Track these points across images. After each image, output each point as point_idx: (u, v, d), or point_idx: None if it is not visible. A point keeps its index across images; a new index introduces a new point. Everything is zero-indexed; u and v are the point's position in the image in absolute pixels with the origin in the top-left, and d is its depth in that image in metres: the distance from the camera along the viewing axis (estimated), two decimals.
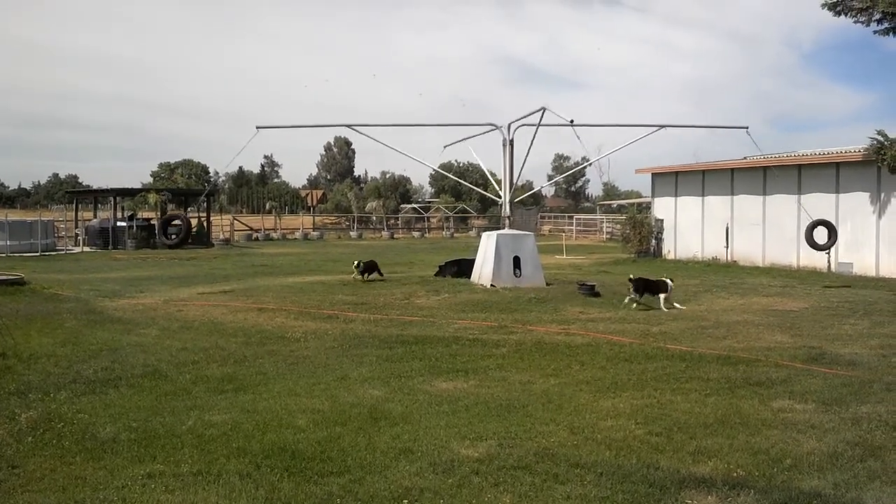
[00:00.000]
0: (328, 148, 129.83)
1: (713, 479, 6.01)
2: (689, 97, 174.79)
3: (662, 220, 33.00)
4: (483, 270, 19.64)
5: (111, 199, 46.89)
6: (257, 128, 18.30)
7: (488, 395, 8.82)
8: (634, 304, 16.21)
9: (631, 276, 16.86)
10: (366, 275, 20.99)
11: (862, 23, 22.28)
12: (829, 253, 25.46)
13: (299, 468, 6.25)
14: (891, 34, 22.17)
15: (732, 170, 30.00)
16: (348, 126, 20.26)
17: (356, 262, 21.28)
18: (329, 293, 18.19)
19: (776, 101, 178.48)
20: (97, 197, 52.29)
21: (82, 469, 6.27)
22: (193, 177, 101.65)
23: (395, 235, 62.83)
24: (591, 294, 17.60)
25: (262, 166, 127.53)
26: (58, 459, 6.51)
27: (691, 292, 18.93)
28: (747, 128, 21.60)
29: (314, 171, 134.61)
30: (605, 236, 57.13)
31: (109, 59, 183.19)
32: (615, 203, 79.36)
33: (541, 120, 20.13)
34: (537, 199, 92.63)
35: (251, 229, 55.61)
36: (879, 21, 22.00)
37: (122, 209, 46.83)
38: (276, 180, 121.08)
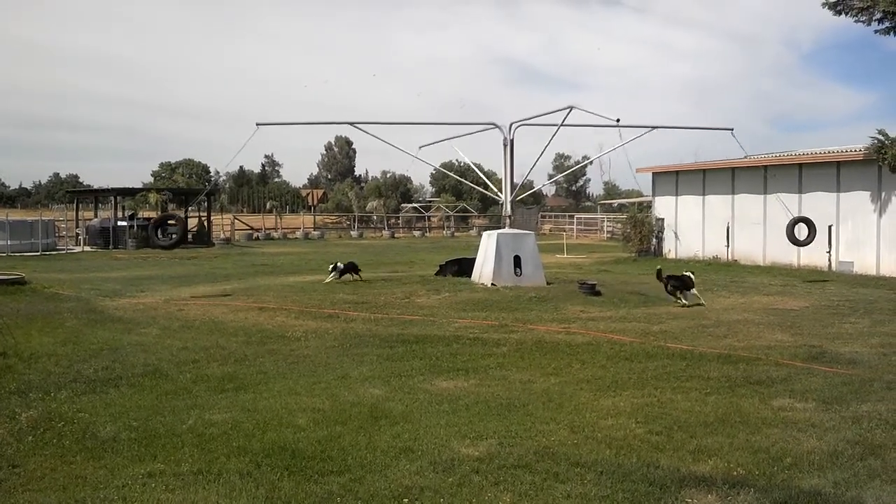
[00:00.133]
0: (329, 147, 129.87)
1: (713, 477, 6.01)
2: (689, 97, 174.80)
3: (663, 220, 33.00)
4: (484, 269, 19.63)
5: (112, 198, 46.94)
6: (257, 124, 18.27)
7: (489, 393, 8.82)
8: (682, 301, 16.36)
9: (662, 276, 17.00)
10: (344, 275, 20.68)
11: (862, 22, 22.27)
12: (829, 252, 25.50)
13: (300, 467, 6.25)
14: (891, 34, 22.14)
15: (733, 169, 29.98)
16: (350, 123, 20.21)
17: (332, 266, 20.91)
18: (330, 292, 18.19)
19: (776, 101, 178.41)
20: (98, 196, 52.34)
21: (83, 468, 6.28)
22: (194, 176, 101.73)
23: (396, 235, 62.86)
24: (592, 293, 17.60)
25: (263, 166, 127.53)
26: (58, 459, 6.52)
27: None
28: (732, 129, 21.70)
29: (315, 171, 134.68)
30: (605, 235, 57.15)
31: (110, 59, 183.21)
32: (616, 202, 79.39)
33: (564, 120, 20.20)
34: (538, 198, 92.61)
35: (252, 229, 55.65)
36: (880, 20, 21.97)
37: (123, 209, 46.90)
38: (276, 180, 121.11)
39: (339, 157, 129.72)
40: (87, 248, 39.38)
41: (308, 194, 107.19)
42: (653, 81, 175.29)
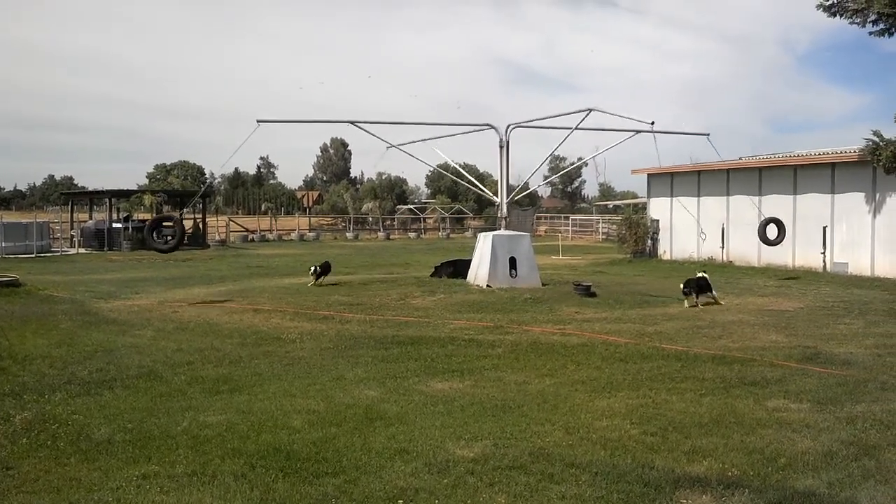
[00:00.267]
0: (324, 149, 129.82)
1: (708, 478, 6.02)
2: (685, 98, 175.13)
3: (658, 221, 33.02)
4: (479, 271, 19.63)
5: (106, 200, 46.88)
6: (258, 121, 18.17)
7: (484, 395, 8.82)
8: (695, 304, 16.55)
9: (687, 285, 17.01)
10: (322, 278, 20.52)
11: (857, 24, 22.28)
12: (823, 253, 25.56)
13: (294, 469, 6.25)
14: (886, 35, 22.17)
15: (728, 170, 30.02)
16: (350, 122, 20.13)
17: (312, 268, 20.77)
18: (325, 294, 18.18)
19: (772, 102, 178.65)
20: (93, 198, 52.28)
21: (77, 470, 6.27)
22: (189, 178, 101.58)
23: (392, 236, 62.82)
24: (587, 294, 17.61)
25: (259, 167, 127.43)
26: (52, 461, 6.50)
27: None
28: (708, 135, 21.84)
29: (310, 173, 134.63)
30: (601, 237, 57.15)
31: (105, 60, 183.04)
32: (611, 203, 79.49)
33: (580, 123, 20.30)
34: (533, 199, 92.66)
35: (247, 230, 55.54)
36: (875, 22, 21.99)
37: (118, 211, 46.80)
38: (272, 181, 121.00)
39: (335, 159, 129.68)
40: (82, 250, 39.31)
41: (303, 196, 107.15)
42: (649, 83, 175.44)
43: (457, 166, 25.28)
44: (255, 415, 7.95)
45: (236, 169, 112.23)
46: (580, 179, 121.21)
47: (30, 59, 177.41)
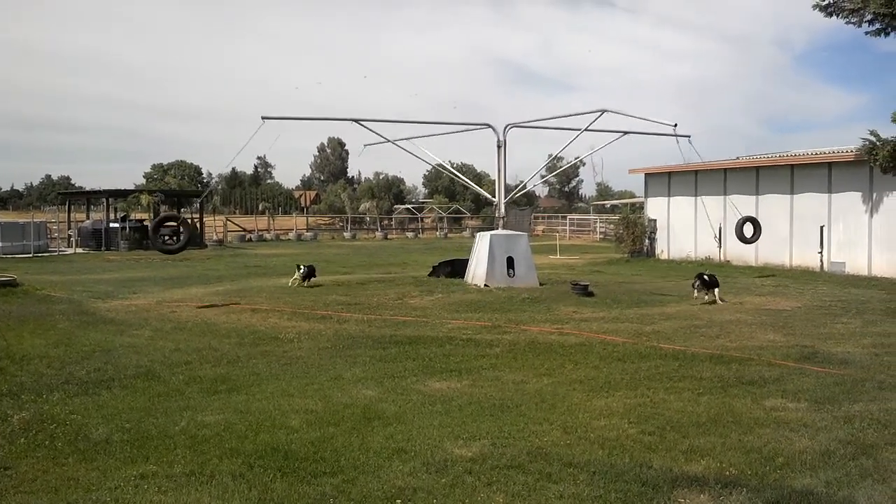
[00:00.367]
0: (321, 149, 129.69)
1: (706, 477, 6.02)
2: (683, 98, 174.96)
3: (655, 220, 33.05)
4: (476, 270, 19.64)
5: (104, 200, 46.85)
6: (263, 118, 18.11)
7: (482, 394, 8.83)
8: (706, 298, 17.11)
9: (699, 278, 17.60)
10: (307, 280, 20.11)
11: (853, 24, 22.29)
12: (820, 252, 25.60)
13: (292, 468, 6.25)
14: (882, 35, 22.20)
15: (725, 170, 30.06)
16: (354, 120, 20.04)
17: (301, 269, 20.33)
18: (322, 294, 18.17)
19: (770, 102, 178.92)
20: (90, 198, 52.21)
21: (75, 470, 6.26)
22: (186, 178, 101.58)
23: (389, 236, 62.82)
24: (585, 294, 17.63)
25: (256, 167, 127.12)
26: (50, 461, 6.50)
27: (685, 292, 18.94)
28: (689, 137, 21.71)
29: (307, 172, 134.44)
30: (598, 236, 57.15)
31: (101, 60, 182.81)
32: (609, 203, 79.51)
33: (591, 124, 20.27)
34: (531, 199, 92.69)
35: (244, 230, 55.51)
36: (871, 22, 22.01)
37: (115, 210, 46.73)
38: (269, 181, 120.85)
39: (332, 159, 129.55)
40: (79, 250, 39.27)
41: (301, 196, 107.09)
42: (647, 82, 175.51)
43: (446, 166, 25.16)
44: (252, 414, 7.95)
45: (233, 169, 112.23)
46: (578, 179, 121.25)
47: (28, 59, 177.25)
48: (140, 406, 8.35)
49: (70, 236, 42.81)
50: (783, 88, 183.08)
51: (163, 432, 7.30)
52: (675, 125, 19.33)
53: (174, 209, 51.12)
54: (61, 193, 72.81)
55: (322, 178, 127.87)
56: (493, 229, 22.22)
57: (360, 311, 15.46)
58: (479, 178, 79.35)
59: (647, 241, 33.11)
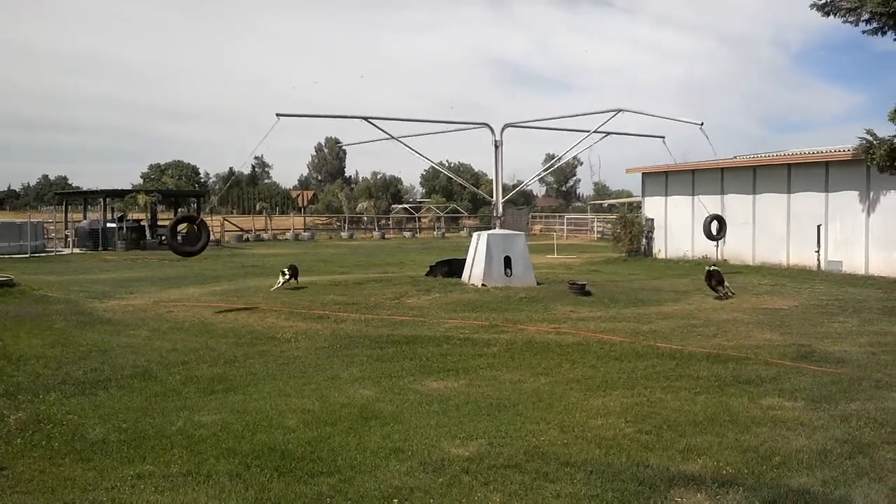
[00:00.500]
0: (319, 149, 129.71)
1: (702, 476, 6.03)
2: (681, 98, 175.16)
3: (653, 220, 33.06)
4: (474, 270, 19.64)
5: (101, 200, 46.80)
6: (277, 115, 17.99)
7: (479, 394, 8.83)
8: (719, 293, 17.55)
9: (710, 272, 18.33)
10: (293, 280, 19.52)
11: (851, 23, 22.27)
12: (817, 252, 25.61)
13: (289, 468, 6.25)
14: (879, 34, 22.17)
15: (722, 169, 30.05)
16: (364, 118, 19.92)
17: (283, 272, 19.59)
18: (320, 293, 18.16)
19: (767, 102, 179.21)
20: (87, 198, 52.15)
21: (72, 470, 6.26)
22: (183, 178, 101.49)
23: (387, 235, 62.82)
24: (582, 293, 17.63)
25: (253, 167, 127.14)
26: (47, 461, 6.49)
27: (682, 291, 18.97)
28: (701, 124, 21.56)
29: (305, 172, 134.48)
30: (595, 236, 57.20)
31: (99, 60, 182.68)
32: (606, 202, 79.54)
33: (604, 123, 20.26)
34: (528, 198, 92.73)
35: (242, 230, 55.50)
36: (868, 21, 21.98)
37: (112, 210, 46.69)
38: (266, 181, 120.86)
39: (330, 159, 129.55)
40: (77, 250, 39.24)
41: (298, 195, 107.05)
42: (645, 82, 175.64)
43: (444, 165, 25.08)
44: (249, 414, 7.95)
45: (231, 168, 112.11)
46: (575, 178, 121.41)
47: (26, 59, 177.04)
48: (137, 406, 8.34)
49: (67, 236, 42.76)
50: (781, 88, 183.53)
51: (160, 432, 7.29)
52: (702, 124, 19.47)
53: (171, 210, 51.15)
54: (58, 193, 72.71)
55: (319, 177, 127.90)
56: (490, 229, 22.21)
57: (357, 310, 15.45)
58: (477, 178, 79.42)
59: (644, 240, 33.12)
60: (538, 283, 19.59)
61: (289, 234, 57.05)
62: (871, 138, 21.91)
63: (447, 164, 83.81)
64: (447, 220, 72.46)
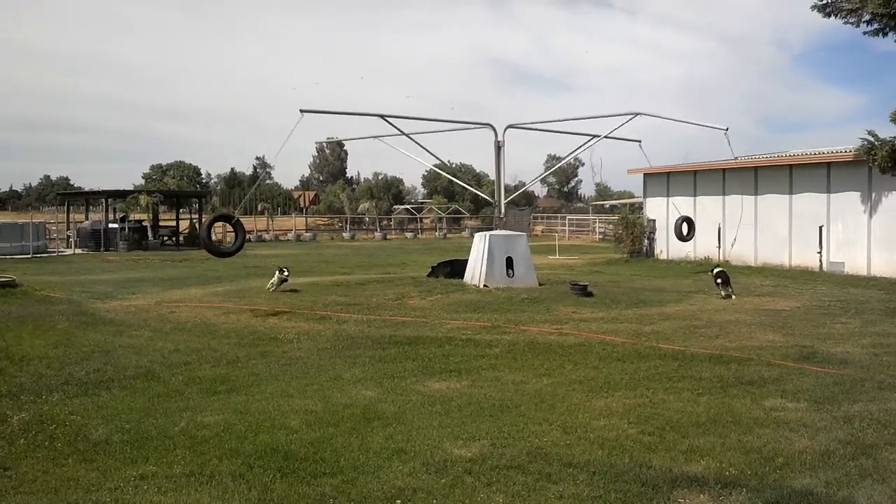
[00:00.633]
0: (320, 149, 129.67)
1: (705, 477, 6.03)
2: (681, 98, 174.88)
3: (654, 221, 33.04)
4: (476, 271, 19.63)
5: (103, 200, 46.85)
6: (301, 111, 17.92)
7: (481, 395, 8.83)
8: (723, 293, 17.91)
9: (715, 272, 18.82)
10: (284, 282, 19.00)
11: (852, 24, 22.28)
12: (819, 253, 25.61)
13: (292, 469, 6.25)
14: (880, 35, 22.18)
15: (724, 170, 30.05)
16: (380, 116, 19.79)
17: (284, 272, 19.07)
18: (322, 294, 18.16)
19: (768, 102, 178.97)
20: (89, 199, 52.20)
21: (75, 471, 6.26)
22: (185, 179, 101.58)
23: (388, 236, 62.82)
24: (584, 294, 17.62)
25: (255, 168, 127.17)
26: (50, 461, 6.50)
27: (684, 292, 18.96)
28: (727, 129, 21.52)
29: (306, 173, 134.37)
30: (597, 236, 57.15)
31: (100, 60, 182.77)
32: (608, 203, 79.53)
33: (621, 125, 20.39)
34: (530, 199, 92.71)
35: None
36: (869, 22, 21.99)
37: (114, 211, 46.71)
38: (268, 182, 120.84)
39: (331, 159, 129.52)
40: (79, 251, 39.27)
41: (300, 196, 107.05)
42: (645, 82, 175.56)
43: (446, 165, 25.07)
44: (252, 415, 7.95)
45: (232, 169, 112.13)
46: (577, 179, 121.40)
47: (27, 59, 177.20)
48: (140, 407, 8.35)
49: (69, 237, 42.80)
50: (782, 88, 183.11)
51: (162, 433, 7.30)
52: (727, 129, 19.74)
53: (173, 210, 51.20)
54: (60, 194, 72.73)
55: (321, 178, 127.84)
56: (492, 229, 22.19)
57: (359, 311, 15.45)
58: (479, 179, 79.40)
59: (646, 241, 33.11)
60: (540, 284, 19.59)
61: (290, 235, 57.05)
62: (872, 139, 21.91)
63: (449, 165, 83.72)
64: (449, 220, 72.46)
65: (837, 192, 25.52)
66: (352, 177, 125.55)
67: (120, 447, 6.86)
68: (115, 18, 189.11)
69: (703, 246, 30.29)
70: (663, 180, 32.79)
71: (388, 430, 7.35)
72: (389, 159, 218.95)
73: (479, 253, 19.73)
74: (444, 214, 72.49)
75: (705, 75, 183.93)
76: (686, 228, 23.74)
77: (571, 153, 24.68)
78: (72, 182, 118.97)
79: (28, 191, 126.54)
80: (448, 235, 64.51)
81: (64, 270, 27.33)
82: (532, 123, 22.75)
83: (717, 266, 20.69)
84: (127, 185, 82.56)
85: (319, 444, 6.91)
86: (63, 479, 6.06)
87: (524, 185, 30.00)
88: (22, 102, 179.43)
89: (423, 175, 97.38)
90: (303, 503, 5.60)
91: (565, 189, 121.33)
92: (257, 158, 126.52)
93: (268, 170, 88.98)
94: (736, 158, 30.67)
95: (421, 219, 73.69)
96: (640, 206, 36.31)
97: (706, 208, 30.57)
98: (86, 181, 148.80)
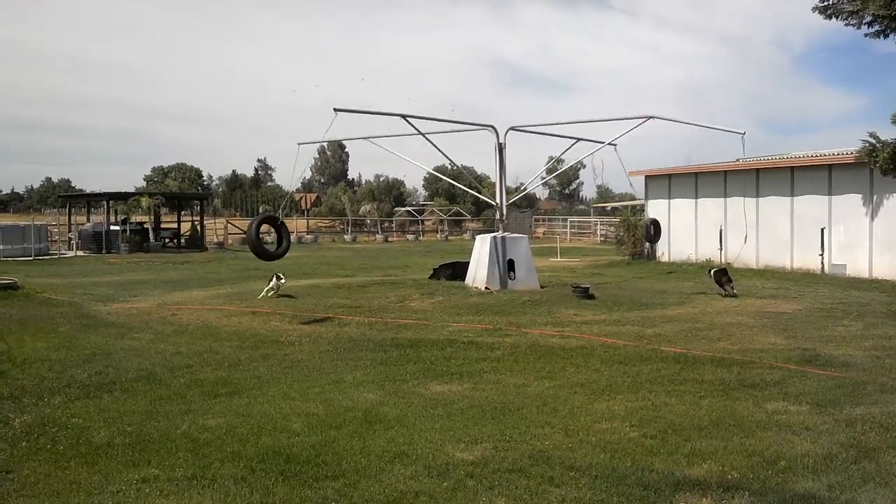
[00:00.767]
0: (322, 151, 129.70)
1: (707, 481, 6.02)
2: (682, 100, 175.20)
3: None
4: (477, 273, 19.63)
5: (104, 203, 46.85)
6: (335, 110, 17.87)
7: (483, 398, 8.83)
8: (725, 292, 18.32)
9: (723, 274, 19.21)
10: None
11: (853, 25, 22.26)
12: (821, 255, 25.59)
13: (294, 472, 6.25)
14: (882, 37, 22.16)
15: (725, 172, 30.04)
16: (401, 116, 19.70)
17: (280, 279, 18.43)
18: (323, 296, 18.16)
19: (768, 104, 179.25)
20: (90, 201, 52.18)
21: (76, 474, 6.26)
22: (186, 181, 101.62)
23: (390, 238, 62.79)
24: (586, 296, 17.61)
25: (256, 170, 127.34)
26: (52, 464, 6.50)
27: (686, 294, 18.95)
28: (744, 133, 21.38)
29: (308, 175, 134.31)
30: (599, 238, 57.15)
31: (102, 62, 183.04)
32: (609, 205, 79.49)
33: (632, 128, 20.40)
34: (531, 201, 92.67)
35: (245, 233, 55.44)
36: (870, 24, 21.96)
37: (116, 213, 46.73)
38: (269, 184, 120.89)
39: (333, 161, 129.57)
40: (80, 253, 39.28)
41: (301, 198, 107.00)
42: (646, 84, 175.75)
43: (430, 171, 25.06)
44: (254, 418, 7.95)
45: (234, 171, 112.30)
46: (578, 181, 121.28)
47: (29, 61, 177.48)
48: (141, 409, 8.35)
49: (70, 239, 42.80)
50: (782, 90, 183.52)
51: (164, 436, 7.30)
52: (744, 133, 19.91)
53: (174, 212, 51.21)
54: (62, 196, 72.66)
55: (322, 180, 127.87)
56: (493, 232, 22.20)
57: (361, 313, 15.45)
58: (480, 181, 79.41)
59: (647, 243, 33.10)
60: (542, 287, 19.59)
61: (292, 237, 57.02)
62: (873, 141, 21.90)
63: (450, 168, 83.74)
64: (450, 222, 72.48)
65: (839, 194, 25.50)
66: (353, 179, 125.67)
67: (122, 450, 6.86)
68: (115, 21, 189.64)
69: (704, 248, 30.27)
70: (664, 182, 32.77)
71: (389, 434, 7.35)
72: (391, 161, 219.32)
73: (480, 255, 19.74)
74: (445, 216, 72.51)
75: (706, 77, 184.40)
76: (653, 230, 24.91)
77: (578, 160, 24.65)
78: (73, 184, 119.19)
79: (30, 193, 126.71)
80: (449, 238, 64.52)
81: (65, 273, 27.34)
82: (534, 126, 22.75)
83: (714, 267, 20.88)
84: (128, 187, 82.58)
85: (321, 448, 6.90)
86: (65, 482, 6.06)
87: (524, 186, 29.63)
88: (24, 104, 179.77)
89: (425, 177, 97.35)
90: None
91: (567, 191, 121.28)
92: (259, 160, 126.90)
93: (270, 172, 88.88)
94: (737, 160, 30.71)
95: (422, 221, 73.69)
96: (642, 208, 36.30)
97: (708, 210, 30.55)
98: (87, 183, 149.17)
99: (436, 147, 20.83)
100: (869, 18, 21.78)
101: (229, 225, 55.82)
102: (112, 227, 41.75)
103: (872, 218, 24.46)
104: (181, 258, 35.99)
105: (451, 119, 20.96)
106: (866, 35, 22.35)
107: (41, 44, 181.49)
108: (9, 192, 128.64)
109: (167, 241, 45.33)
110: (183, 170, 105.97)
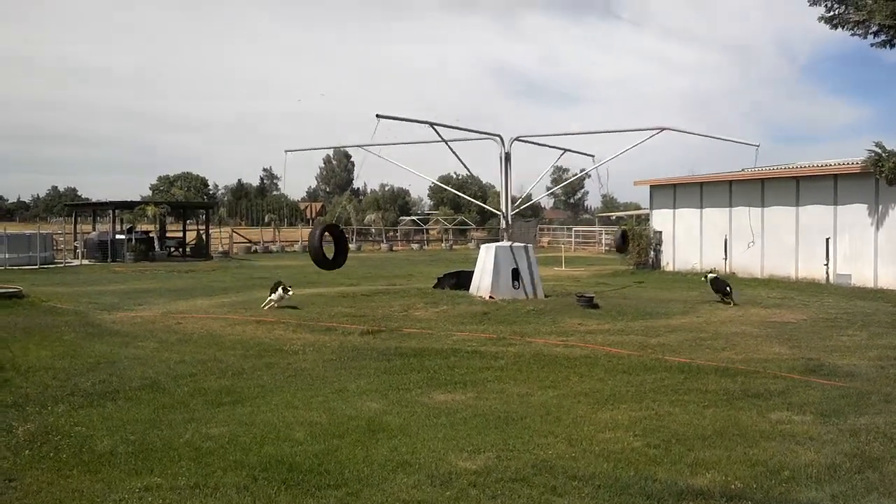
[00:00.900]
0: (327, 160, 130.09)
1: (711, 491, 6.00)
2: (687, 109, 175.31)
3: (661, 232, 33.02)
4: (482, 282, 19.63)
5: (110, 211, 46.97)
6: (377, 116, 17.85)
7: (486, 407, 8.82)
8: (725, 300, 18.71)
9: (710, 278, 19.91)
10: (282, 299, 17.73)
11: (859, 35, 22.33)
12: (826, 265, 25.55)
13: (297, 481, 6.24)
14: (888, 46, 22.20)
15: (730, 182, 30.05)
16: (429, 124, 19.32)
17: (282, 286, 17.85)
18: (327, 305, 18.17)
19: (774, 113, 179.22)
20: (96, 210, 52.32)
21: (79, 482, 6.26)
22: (192, 189, 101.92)
23: (395, 247, 62.83)
24: (590, 306, 17.59)
25: (262, 179, 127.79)
26: (55, 472, 6.50)
27: (690, 304, 18.92)
28: (758, 145, 21.20)
29: (313, 184, 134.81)
30: (603, 248, 57.12)
31: (109, 71, 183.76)
32: (614, 215, 79.45)
33: (645, 139, 20.47)
34: (536, 210, 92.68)
35: (250, 242, 55.60)
36: (876, 34, 22.03)
37: (121, 222, 46.85)
38: (274, 193, 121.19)
39: (338, 171, 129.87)
40: (86, 262, 39.36)
41: (306, 207, 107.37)
42: (652, 94, 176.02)
43: (433, 181, 25.12)
44: (257, 427, 7.95)
45: (239, 180, 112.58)
46: (583, 191, 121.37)
47: (34, 71, 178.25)
48: (145, 418, 8.35)
49: (76, 248, 42.90)
50: (788, 100, 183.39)
51: (167, 444, 7.30)
52: (758, 145, 19.99)
53: (180, 221, 51.31)
54: (67, 205, 72.98)
55: (328, 189, 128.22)
56: (498, 241, 22.20)
57: (364, 322, 15.45)
58: (485, 191, 79.46)
59: (652, 252, 33.08)
60: (546, 296, 19.59)
61: (297, 246, 57.05)
62: (879, 151, 21.92)
63: (455, 178, 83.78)
64: (455, 232, 72.52)
65: (844, 204, 25.48)
66: (358, 188, 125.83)
67: (125, 458, 6.86)
68: (119, 30, 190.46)
69: (709, 258, 30.24)
70: (670, 192, 32.78)
71: (392, 443, 7.34)
72: (396, 171, 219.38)
73: (484, 264, 19.74)
74: (450, 226, 72.54)
75: (711, 86, 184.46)
76: (622, 241, 27.28)
77: (586, 171, 24.73)
78: (79, 193, 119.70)
79: (36, 202, 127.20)
80: (454, 247, 64.53)
81: (71, 281, 27.40)
82: (541, 136, 22.76)
83: (711, 271, 21.01)
84: (134, 196, 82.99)
85: (324, 456, 6.90)
86: (68, 491, 6.06)
87: (530, 196, 29.55)
88: (29, 113, 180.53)
89: (430, 187, 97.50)
90: None
91: (571, 200, 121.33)
92: (264, 170, 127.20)
93: (276, 181, 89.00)
94: (742, 170, 30.70)
95: (427, 230, 73.75)
96: (647, 218, 36.29)
97: (713, 220, 30.54)
98: (93, 192, 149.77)
99: (457, 157, 20.87)
100: (875, 28, 21.84)
101: (235, 234, 55.94)
102: (117, 236, 41.83)
103: (878, 228, 24.44)
104: (186, 267, 36.04)
105: (459, 126, 20.94)
106: (872, 45, 22.41)
107: (48, 52, 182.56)
108: (15, 200, 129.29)
109: (172, 249, 45.40)
110: (188, 179, 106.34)
